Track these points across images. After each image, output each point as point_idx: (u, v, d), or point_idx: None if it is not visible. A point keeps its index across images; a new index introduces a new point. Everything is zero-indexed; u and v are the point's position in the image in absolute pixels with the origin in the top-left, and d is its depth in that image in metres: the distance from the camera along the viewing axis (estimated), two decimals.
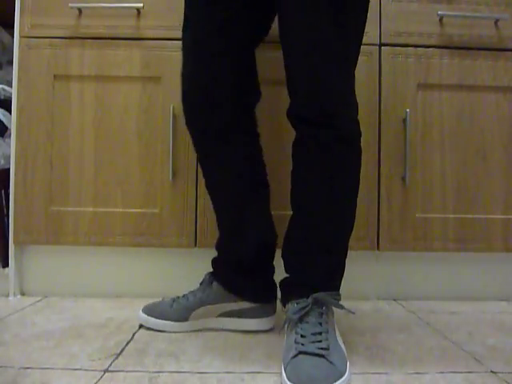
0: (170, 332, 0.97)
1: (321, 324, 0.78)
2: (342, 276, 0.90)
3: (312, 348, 0.73)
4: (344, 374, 0.71)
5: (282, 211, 1.03)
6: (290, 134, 0.90)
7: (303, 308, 0.80)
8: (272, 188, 1.02)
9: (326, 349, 0.73)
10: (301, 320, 0.79)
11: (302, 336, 0.76)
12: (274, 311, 1.00)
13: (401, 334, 0.97)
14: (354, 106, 0.87)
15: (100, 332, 0.96)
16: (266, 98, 1.04)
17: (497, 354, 0.86)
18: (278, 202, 1.07)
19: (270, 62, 1.09)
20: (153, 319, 0.98)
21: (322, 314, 0.80)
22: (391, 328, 1.01)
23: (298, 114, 0.87)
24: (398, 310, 1.16)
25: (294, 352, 0.74)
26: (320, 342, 0.75)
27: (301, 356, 0.73)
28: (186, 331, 0.97)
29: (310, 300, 0.80)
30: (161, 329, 0.97)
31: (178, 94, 1.00)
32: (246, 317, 0.97)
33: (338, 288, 0.88)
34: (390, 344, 0.91)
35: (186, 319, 0.98)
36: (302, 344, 0.75)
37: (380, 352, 0.86)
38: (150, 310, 1.00)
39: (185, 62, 0.97)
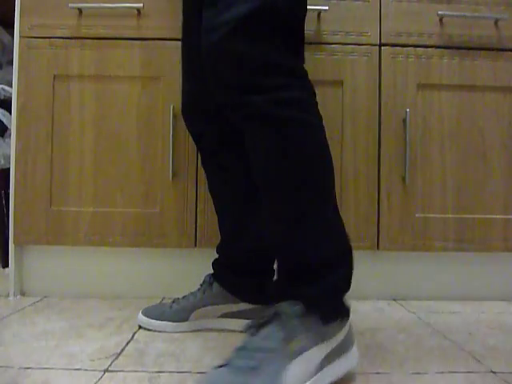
0: (170, 332, 0.97)
1: (273, 339, 0.65)
2: (336, 266, 0.72)
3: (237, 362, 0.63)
4: None
5: None
6: None
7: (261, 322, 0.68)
8: None
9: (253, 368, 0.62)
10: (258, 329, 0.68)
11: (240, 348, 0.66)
12: None
13: (401, 334, 0.97)
14: (280, 68, 0.68)
15: (100, 332, 0.96)
16: None
17: (497, 354, 0.85)
18: None
19: None
20: (152, 321, 0.98)
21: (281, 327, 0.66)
22: (391, 328, 1.01)
23: (220, 103, 0.73)
24: (397, 310, 1.16)
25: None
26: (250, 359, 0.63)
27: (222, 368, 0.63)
28: (186, 331, 0.97)
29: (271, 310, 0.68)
30: (161, 330, 0.97)
31: (178, 94, 1.01)
32: (245, 318, 0.97)
33: (331, 288, 0.71)
34: (390, 344, 0.91)
35: (185, 320, 0.98)
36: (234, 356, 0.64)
37: (380, 352, 0.86)
38: (149, 312, 1.00)
39: (182, 66, 1.00)
